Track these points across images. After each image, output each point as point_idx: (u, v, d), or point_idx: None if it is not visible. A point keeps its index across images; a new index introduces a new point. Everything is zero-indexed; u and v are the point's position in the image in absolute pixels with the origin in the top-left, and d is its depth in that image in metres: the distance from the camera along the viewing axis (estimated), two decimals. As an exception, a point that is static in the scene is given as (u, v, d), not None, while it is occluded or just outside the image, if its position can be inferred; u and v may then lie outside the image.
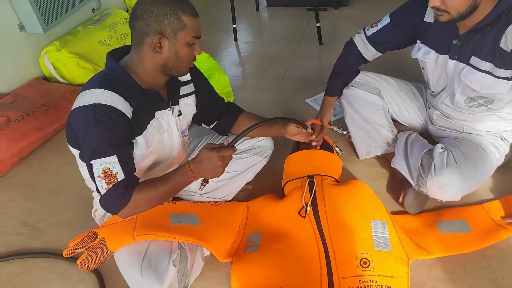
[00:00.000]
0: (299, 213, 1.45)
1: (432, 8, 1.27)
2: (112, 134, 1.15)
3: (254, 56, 2.88)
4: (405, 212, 1.56)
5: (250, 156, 1.63)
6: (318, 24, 2.77)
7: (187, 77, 1.42)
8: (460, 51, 1.39)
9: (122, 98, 1.18)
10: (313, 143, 1.53)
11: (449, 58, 1.43)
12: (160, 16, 1.14)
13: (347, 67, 1.73)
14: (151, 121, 1.29)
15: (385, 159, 1.79)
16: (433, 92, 1.61)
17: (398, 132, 1.73)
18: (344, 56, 1.75)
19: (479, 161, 1.41)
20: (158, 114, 1.31)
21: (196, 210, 1.49)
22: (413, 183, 1.46)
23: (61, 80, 2.57)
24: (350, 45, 1.71)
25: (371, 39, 1.63)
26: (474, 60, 1.36)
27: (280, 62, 2.74)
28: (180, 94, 1.39)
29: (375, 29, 1.61)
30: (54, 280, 1.49)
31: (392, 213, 1.55)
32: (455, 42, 1.38)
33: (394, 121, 1.80)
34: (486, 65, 1.33)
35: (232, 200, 1.65)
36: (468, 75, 1.39)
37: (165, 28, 1.15)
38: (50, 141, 2.22)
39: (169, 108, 1.34)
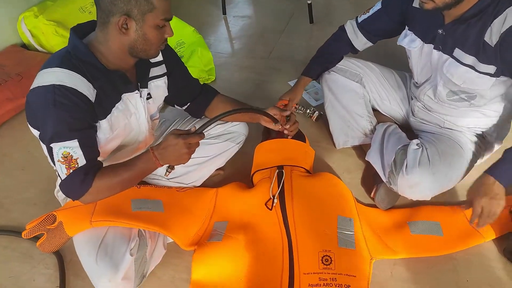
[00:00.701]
0: (266, 204, 1.41)
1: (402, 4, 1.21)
2: (72, 117, 1.09)
3: (241, 32, 2.77)
4: (377, 207, 1.53)
5: (222, 141, 1.58)
6: (309, 1, 2.66)
7: (159, 57, 1.34)
8: (444, 41, 1.32)
9: (84, 79, 1.12)
10: (286, 132, 1.48)
11: (433, 48, 1.36)
12: None
13: (332, 51, 1.66)
14: (116, 104, 1.23)
15: (362, 150, 1.74)
16: (416, 82, 1.55)
17: (378, 123, 1.68)
18: (331, 40, 1.67)
19: (454, 159, 1.37)
20: (125, 96, 1.24)
21: (161, 196, 1.45)
22: (384, 179, 1.42)
23: (39, 48, 2.47)
24: (340, 31, 1.65)
25: (361, 26, 1.57)
26: (457, 52, 1.29)
27: (267, 40, 2.64)
28: (150, 76, 1.32)
29: (366, 16, 1.55)
30: (15, 259, 1.46)
31: (365, 205, 1.51)
32: (440, 31, 1.31)
33: (375, 110, 1.74)
34: (469, 59, 1.27)
35: (202, 185, 1.61)
36: (451, 68, 1.32)
37: (132, 9, 1.07)
38: (23, 113, 2.15)
39: (137, 91, 1.27)
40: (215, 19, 2.91)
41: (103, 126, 1.19)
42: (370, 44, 1.61)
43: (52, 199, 1.52)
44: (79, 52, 1.13)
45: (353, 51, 1.65)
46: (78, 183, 1.12)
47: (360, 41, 1.60)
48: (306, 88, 2.12)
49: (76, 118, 1.10)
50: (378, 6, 1.53)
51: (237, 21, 2.88)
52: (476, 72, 1.27)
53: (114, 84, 1.19)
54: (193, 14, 2.93)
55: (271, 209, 1.38)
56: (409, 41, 1.44)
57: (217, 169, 1.65)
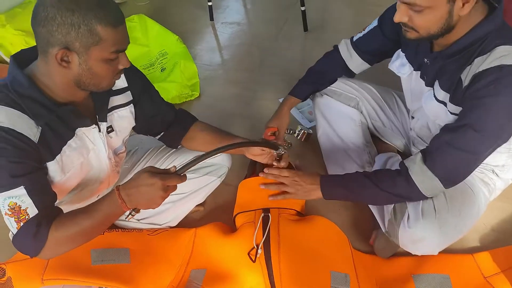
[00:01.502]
0: (249, 254, 1.22)
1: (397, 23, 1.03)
2: (13, 162, 0.91)
3: (230, 40, 2.57)
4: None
5: (201, 176, 1.39)
6: (303, 8, 2.45)
7: (122, 83, 1.15)
8: (427, 71, 1.16)
9: (25, 116, 0.93)
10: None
11: (420, 76, 1.20)
12: (65, 27, 0.86)
13: (324, 70, 1.47)
14: (69, 142, 1.03)
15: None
16: (409, 110, 1.38)
17: (378, 152, 1.49)
18: (323, 59, 1.49)
19: (465, 206, 1.17)
20: (80, 131, 1.05)
21: (129, 242, 1.27)
22: (383, 229, 1.23)
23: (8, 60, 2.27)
24: (333, 51, 1.47)
25: (355, 45, 1.39)
26: (436, 85, 1.14)
27: (258, 50, 2.44)
28: (111, 106, 1.13)
29: (361, 34, 1.37)
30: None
31: (363, 252, 1.33)
32: (426, 60, 1.15)
33: (374, 137, 1.55)
34: (442, 94, 1.11)
35: (179, 225, 1.42)
36: (427, 100, 1.18)
37: (72, 41, 0.88)
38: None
39: (94, 125, 1.08)
40: (202, 26, 2.71)
41: (51, 169, 1.00)
42: (366, 66, 1.42)
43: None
44: (19, 86, 0.94)
45: (347, 74, 1.46)
46: (31, 237, 0.92)
47: (354, 62, 1.42)
48: (299, 106, 1.94)
49: (17, 162, 0.92)
50: (374, 23, 1.35)
51: (225, 28, 2.68)
52: (447, 110, 1.11)
53: (65, 119, 1.01)
54: (177, 19, 2.72)
55: (254, 261, 1.20)
56: (399, 65, 1.27)
57: (196, 205, 1.46)
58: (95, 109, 1.09)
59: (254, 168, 1.41)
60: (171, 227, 1.40)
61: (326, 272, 1.15)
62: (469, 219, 1.17)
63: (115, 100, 1.14)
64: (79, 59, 0.91)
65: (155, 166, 1.06)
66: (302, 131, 1.76)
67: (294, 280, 1.15)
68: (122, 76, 1.13)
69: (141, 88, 1.21)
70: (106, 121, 1.12)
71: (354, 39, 1.39)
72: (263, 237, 1.22)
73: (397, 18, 1.01)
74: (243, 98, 2.08)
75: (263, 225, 1.25)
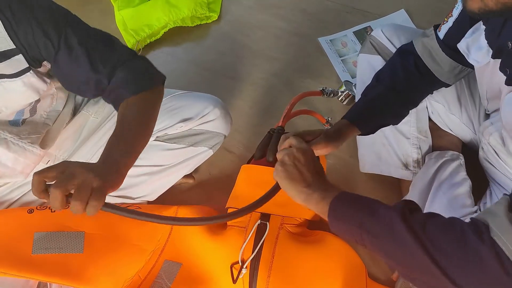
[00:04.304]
0: (231, 268, 0.95)
1: None
2: None
3: None
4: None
5: (186, 146, 1.06)
6: None
7: (3, 44, 0.75)
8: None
9: None
10: None
11: (500, 69, 0.77)
12: None
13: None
14: None
15: (397, 182, 1.18)
16: (487, 110, 0.96)
17: (431, 148, 1.10)
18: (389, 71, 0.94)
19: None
20: None
21: (86, 224, 1.01)
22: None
23: None
24: (403, 60, 0.93)
25: (445, 44, 0.89)
26: None
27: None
28: None
29: (447, 25, 0.87)
30: None
31: (380, 282, 1.02)
32: (510, 45, 0.72)
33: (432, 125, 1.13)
34: None
35: (158, 200, 1.14)
36: (507, 106, 0.76)
37: None
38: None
39: None
40: None
41: None
42: (464, 69, 0.91)
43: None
44: None
45: (432, 87, 0.97)
46: None
47: (444, 67, 0.91)
48: (341, 53, 1.51)
49: None
50: (459, 7, 0.85)
51: None
52: None
53: None
54: None
55: (234, 282, 0.92)
56: (475, 48, 0.81)
57: (184, 176, 1.17)
58: None
59: (266, 149, 1.05)
60: (149, 203, 1.13)
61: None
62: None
63: None
64: None
65: None
66: (346, 91, 1.35)
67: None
68: (2, 33, 0.74)
69: (50, 43, 0.78)
70: None
71: (442, 36, 0.88)
72: (252, 254, 0.92)
73: None
74: (274, 30, 1.63)
75: (256, 237, 0.94)
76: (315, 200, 0.66)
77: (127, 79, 0.81)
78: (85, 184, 0.62)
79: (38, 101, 0.90)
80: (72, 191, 0.62)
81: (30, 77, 0.81)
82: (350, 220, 0.61)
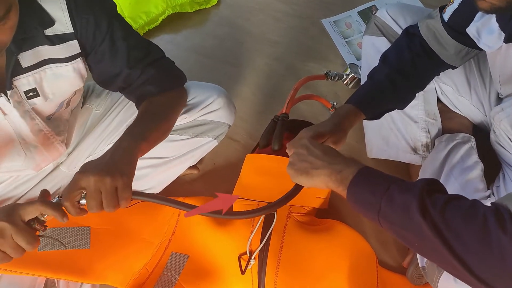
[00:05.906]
0: (239, 258, 0.94)
1: None
2: None
3: None
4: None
5: (190, 137, 1.04)
6: None
7: (63, 26, 0.77)
8: None
9: None
10: None
11: None
12: None
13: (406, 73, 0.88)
14: None
15: (406, 167, 1.16)
16: (500, 94, 0.93)
17: (441, 130, 1.07)
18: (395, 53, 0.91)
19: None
20: None
21: (91, 218, 1.00)
22: (420, 263, 0.88)
23: None
24: (409, 41, 0.90)
25: (450, 26, 0.85)
26: None
27: None
28: (41, 60, 0.77)
29: (452, 7, 0.83)
30: None
31: (391, 269, 1.01)
32: None
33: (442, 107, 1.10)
34: None
35: (163, 192, 1.12)
36: None
37: None
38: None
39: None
40: None
41: None
42: (471, 51, 0.87)
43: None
44: None
45: (441, 69, 0.94)
46: None
47: (449, 49, 0.87)
48: (346, 35, 1.47)
49: None
50: None
51: None
52: None
53: None
54: None
55: (243, 273, 0.91)
56: (486, 31, 0.78)
57: (189, 167, 1.15)
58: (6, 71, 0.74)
59: (270, 138, 1.03)
60: (153, 195, 1.12)
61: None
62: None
63: (48, 52, 0.77)
64: None
65: None
66: (351, 74, 1.31)
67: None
68: (65, 15, 0.75)
69: (99, 34, 0.80)
70: (11, 89, 0.76)
71: (446, 18, 0.84)
72: (260, 244, 0.91)
73: None
74: (275, 12, 1.59)
75: (264, 227, 0.93)
76: (333, 184, 0.64)
77: (156, 77, 0.85)
78: (110, 191, 0.66)
79: (73, 94, 0.90)
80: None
81: (80, 62, 0.83)
82: (369, 207, 0.60)
